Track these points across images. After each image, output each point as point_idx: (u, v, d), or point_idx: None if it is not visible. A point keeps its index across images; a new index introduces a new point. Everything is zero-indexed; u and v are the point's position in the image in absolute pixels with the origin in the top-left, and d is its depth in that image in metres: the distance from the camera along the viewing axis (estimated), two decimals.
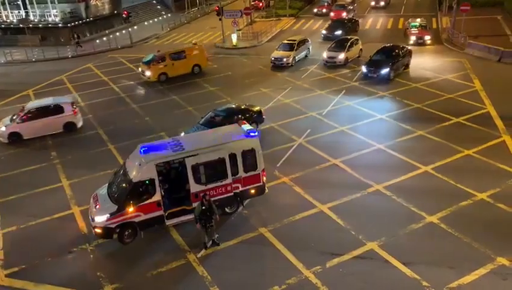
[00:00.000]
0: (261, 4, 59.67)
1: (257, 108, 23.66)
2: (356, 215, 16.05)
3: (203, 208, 14.34)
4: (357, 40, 35.58)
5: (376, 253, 14.14)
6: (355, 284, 13.03)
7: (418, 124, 23.01)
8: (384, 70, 29.41)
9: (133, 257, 14.85)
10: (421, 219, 15.66)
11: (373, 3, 55.73)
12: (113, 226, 14.86)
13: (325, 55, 34.19)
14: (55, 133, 24.54)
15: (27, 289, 13.80)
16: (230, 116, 21.64)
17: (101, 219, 14.85)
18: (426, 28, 39.17)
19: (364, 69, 30.51)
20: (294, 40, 35.55)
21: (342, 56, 33.46)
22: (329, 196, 17.24)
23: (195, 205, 15.56)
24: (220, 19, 43.70)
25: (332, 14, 49.32)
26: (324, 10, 52.98)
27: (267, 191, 17.22)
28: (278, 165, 19.87)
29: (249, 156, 16.27)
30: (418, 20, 40.21)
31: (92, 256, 15.04)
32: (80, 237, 16.00)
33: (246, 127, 17.17)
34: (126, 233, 15.16)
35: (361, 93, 27.93)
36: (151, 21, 59.62)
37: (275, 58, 34.42)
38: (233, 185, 16.16)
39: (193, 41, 37.35)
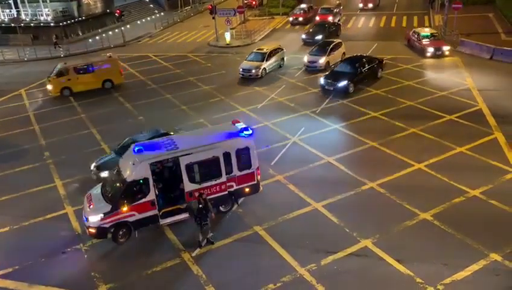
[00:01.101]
0: (254, 3, 59.58)
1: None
2: (350, 213, 16.12)
3: (200, 206, 14.34)
4: (339, 43, 34.01)
5: (370, 250, 14.21)
6: (350, 281, 13.09)
7: (411, 121, 23.12)
8: (342, 84, 26.95)
9: (128, 257, 14.81)
10: (415, 216, 15.75)
11: (361, 5, 52.98)
12: (107, 226, 14.81)
13: (305, 59, 32.78)
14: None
15: (21, 289, 13.73)
16: None
17: (95, 218, 14.80)
18: (438, 37, 35.83)
19: (321, 80, 28.06)
20: (266, 49, 32.97)
21: (322, 60, 31.92)
22: (323, 194, 17.30)
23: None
24: (213, 18, 43.62)
25: (317, 18, 46.36)
26: (301, 19, 47.53)
27: (261, 189, 17.24)
28: (272, 164, 19.89)
29: (243, 154, 16.27)
30: (427, 29, 36.85)
31: (86, 256, 14.98)
32: (73, 237, 15.94)
33: (240, 125, 17.17)
34: (120, 233, 15.11)
35: (355, 91, 27.94)
36: (144, 20, 59.36)
37: (243, 69, 31.64)
38: (227, 184, 16.15)
39: (108, 54, 33.52)
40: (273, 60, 32.85)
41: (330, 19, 45.61)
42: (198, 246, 14.82)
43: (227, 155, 15.90)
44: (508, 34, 37.90)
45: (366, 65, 28.72)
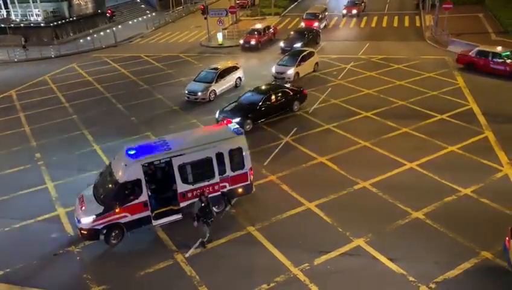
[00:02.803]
0: (245, 2, 59.56)
1: None
2: (343, 213, 16.16)
3: (202, 205, 14.33)
4: (311, 53, 31.95)
5: (363, 249, 14.27)
6: (343, 280, 13.12)
7: (402, 121, 23.25)
8: (236, 120, 21.35)
9: (120, 258, 14.74)
10: (407, 214, 15.84)
11: (345, 11, 50.40)
12: (99, 227, 14.72)
13: (273, 69, 30.67)
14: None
15: None
16: None
17: (87, 220, 14.70)
18: None
19: (217, 114, 23.90)
20: (217, 68, 29.12)
21: (291, 71, 29.80)
22: (316, 194, 17.33)
23: (182, 205, 15.56)
24: (205, 18, 43.59)
25: (302, 24, 43.97)
26: (253, 42, 39.79)
27: (254, 189, 17.27)
28: (265, 164, 19.90)
29: (236, 155, 16.29)
30: (499, 48, 30.00)
31: (78, 258, 14.88)
32: (65, 238, 15.82)
33: (233, 126, 17.17)
34: (113, 234, 15.03)
35: (347, 91, 28.09)
36: (135, 20, 59.22)
37: (188, 91, 28.00)
38: (220, 185, 16.14)
39: None
40: (225, 80, 29.00)
41: (316, 25, 43.02)
42: (202, 246, 14.76)
43: (220, 156, 15.89)
44: (498, 34, 38.28)
45: (273, 98, 24.29)
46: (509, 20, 39.71)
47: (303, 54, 31.26)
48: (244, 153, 16.40)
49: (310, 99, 27.06)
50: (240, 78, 30.40)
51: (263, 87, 25.50)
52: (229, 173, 16.23)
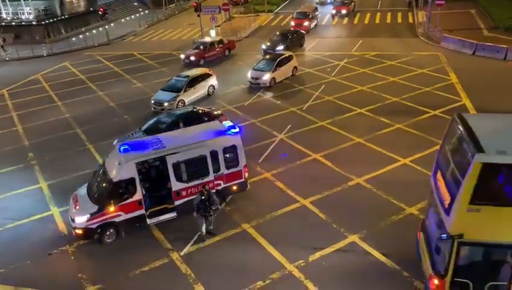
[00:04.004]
0: None
1: None
2: (337, 209, 16.21)
3: (202, 198, 14.37)
4: (289, 56, 30.59)
5: (358, 245, 14.33)
6: (338, 276, 13.17)
7: (396, 117, 23.32)
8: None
9: (115, 257, 14.70)
10: (401, 210, 15.92)
11: (334, 11, 49.35)
12: (93, 226, 14.69)
13: (249, 75, 29.53)
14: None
15: None
16: None
17: (81, 219, 14.67)
18: None
19: (115, 142, 19.02)
20: (187, 76, 27.33)
21: (266, 77, 28.64)
22: (311, 191, 17.37)
23: (177, 203, 15.56)
24: (198, 15, 43.45)
25: (292, 23, 42.87)
26: (193, 58, 34.81)
27: (249, 187, 17.29)
28: (259, 161, 19.91)
29: (231, 152, 16.30)
30: None
31: (72, 258, 14.82)
32: (60, 238, 15.75)
33: (227, 123, 17.16)
34: (107, 233, 15.00)
35: (341, 87, 28.15)
36: (128, 18, 58.92)
37: (154, 101, 26.04)
38: (215, 182, 16.13)
39: None
40: (195, 89, 27.18)
41: (306, 24, 42.18)
42: (202, 240, 14.80)
43: (214, 153, 15.88)
44: (490, 29, 38.51)
45: (182, 125, 20.47)
46: (501, 16, 39.97)
47: (280, 59, 29.82)
48: (238, 151, 16.41)
49: (304, 96, 27.15)
50: (213, 86, 28.57)
51: (175, 113, 22.65)
52: (223, 170, 16.23)
